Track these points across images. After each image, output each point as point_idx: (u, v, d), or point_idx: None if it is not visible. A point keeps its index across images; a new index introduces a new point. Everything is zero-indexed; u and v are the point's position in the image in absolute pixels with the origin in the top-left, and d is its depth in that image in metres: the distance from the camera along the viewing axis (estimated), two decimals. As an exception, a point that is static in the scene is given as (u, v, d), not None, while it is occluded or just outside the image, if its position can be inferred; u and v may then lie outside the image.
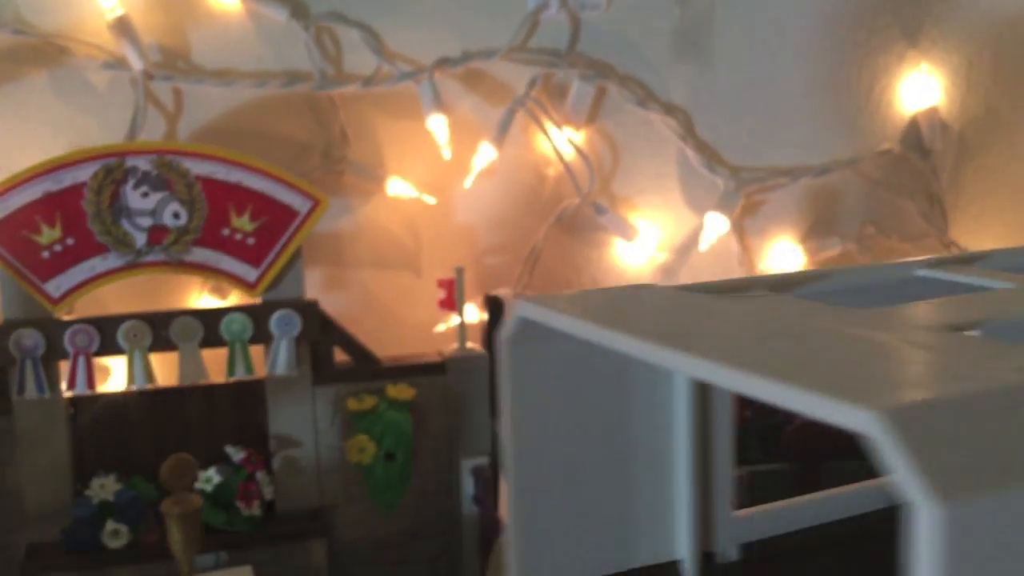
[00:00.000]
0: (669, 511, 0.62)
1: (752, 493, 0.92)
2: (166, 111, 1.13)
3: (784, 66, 1.31)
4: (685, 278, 1.31)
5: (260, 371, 1.02)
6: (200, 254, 0.97)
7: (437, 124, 1.12)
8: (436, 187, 1.20)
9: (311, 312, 1.01)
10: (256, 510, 1.00)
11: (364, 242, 1.20)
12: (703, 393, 0.61)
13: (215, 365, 1.01)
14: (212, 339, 0.98)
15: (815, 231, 1.35)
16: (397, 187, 1.16)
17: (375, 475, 1.01)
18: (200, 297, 1.16)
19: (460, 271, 1.06)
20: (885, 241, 1.36)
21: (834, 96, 1.33)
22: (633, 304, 0.54)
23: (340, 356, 1.07)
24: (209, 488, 0.98)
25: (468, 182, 1.17)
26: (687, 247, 1.31)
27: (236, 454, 1.01)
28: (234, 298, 1.16)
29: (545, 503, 0.58)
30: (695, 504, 0.62)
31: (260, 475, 1.00)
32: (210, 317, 0.98)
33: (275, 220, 0.99)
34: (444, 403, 1.08)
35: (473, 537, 1.08)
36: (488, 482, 1.06)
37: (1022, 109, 1.40)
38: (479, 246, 1.25)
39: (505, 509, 0.87)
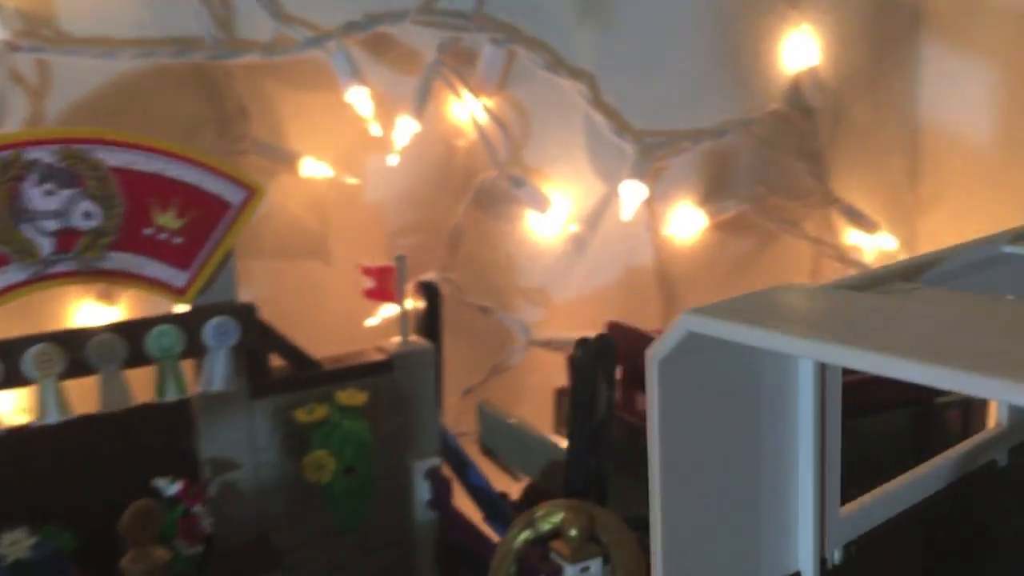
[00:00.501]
0: (792, 519, 0.58)
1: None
2: (31, 88, 0.95)
3: (681, 28, 1.29)
4: (597, 248, 1.27)
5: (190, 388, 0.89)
6: (119, 259, 0.82)
7: (358, 96, 1.01)
8: (342, 165, 1.09)
9: (249, 317, 0.89)
10: (198, 547, 0.87)
11: (267, 229, 1.08)
12: (823, 388, 0.58)
13: (139, 385, 0.86)
14: (137, 357, 0.84)
15: (713, 194, 1.35)
16: (311, 168, 1.04)
17: (335, 493, 0.91)
18: (79, 306, 1.00)
19: (402, 259, 0.97)
20: (775, 200, 1.38)
21: (726, 58, 1.32)
22: (805, 305, 0.49)
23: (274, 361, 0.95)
24: (143, 530, 0.84)
25: (393, 160, 1.07)
26: (597, 216, 1.27)
27: (169, 487, 0.87)
28: (124, 305, 1.00)
29: (688, 520, 0.53)
30: (817, 510, 0.58)
31: (198, 508, 0.88)
32: (133, 332, 0.84)
33: (204, 215, 0.85)
34: (392, 403, 0.98)
35: (429, 545, 1.00)
36: (444, 485, 0.99)
37: (886, 66, 1.46)
38: (390, 227, 1.15)
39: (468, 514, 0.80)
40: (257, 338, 0.90)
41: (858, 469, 1.00)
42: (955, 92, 1.45)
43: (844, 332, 0.45)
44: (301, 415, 0.91)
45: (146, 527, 0.72)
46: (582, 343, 0.82)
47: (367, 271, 1.04)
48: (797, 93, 1.37)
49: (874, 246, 1.43)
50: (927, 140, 1.49)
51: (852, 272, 1.38)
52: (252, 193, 0.87)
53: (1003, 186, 1.40)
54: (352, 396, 0.93)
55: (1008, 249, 0.63)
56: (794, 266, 1.45)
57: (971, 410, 1.08)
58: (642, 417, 0.50)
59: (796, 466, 0.58)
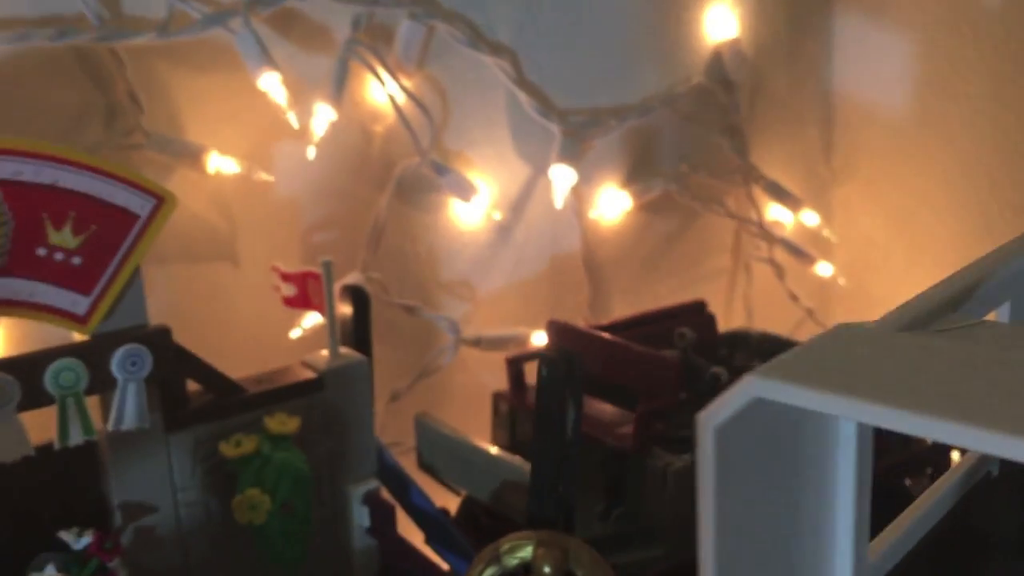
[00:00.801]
0: (829, 569, 0.53)
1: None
2: None
3: (603, 1, 1.21)
4: (523, 236, 1.20)
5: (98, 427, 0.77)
6: (7, 286, 0.70)
7: (270, 83, 0.90)
8: (252, 158, 0.98)
9: (163, 344, 0.78)
10: (116, 607, 0.77)
11: (167, 231, 0.95)
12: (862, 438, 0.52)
13: (37, 424, 0.74)
14: (33, 397, 0.72)
15: (637, 174, 1.29)
16: (218, 163, 0.92)
17: (272, 533, 0.81)
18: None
19: (328, 265, 0.87)
20: (698, 178, 1.33)
21: (649, 31, 1.26)
22: (875, 361, 0.43)
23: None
24: (51, 594, 0.73)
25: (311, 152, 0.96)
26: (523, 202, 1.19)
27: (79, 540, 0.76)
28: (10, 337, 0.87)
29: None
30: (856, 560, 0.53)
31: (115, 562, 0.77)
32: (28, 368, 0.72)
33: (107, 229, 0.73)
34: (324, 425, 0.89)
35: (369, 573, 0.92)
36: (385, 510, 0.90)
37: (802, 37, 1.42)
38: (303, 223, 1.04)
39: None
40: (172, 365, 0.79)
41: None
42: (870, 64, 1.43)
43: (940, 402, 0.39)
44: (227, 449, 0.81)
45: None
46: (548, 362, 0.75)
47: (286, 277, 0.93)
48: (719, 66, 1.32)
49: (793, 221, 1.40)
50: (842, 112, 1.46)
51: (774, 249, 1.35)
52: (161, 202, 0.75)
53: (918, 158, 1.39)
54: (283, 423, 0.84)
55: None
56: (717, 243, 1.41)
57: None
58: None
59: (834, 519, 0.52)
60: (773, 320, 1.41)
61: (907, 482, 1.01)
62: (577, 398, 0.76)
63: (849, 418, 0.39)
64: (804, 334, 1.40)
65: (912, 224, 1.41)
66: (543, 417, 0.77)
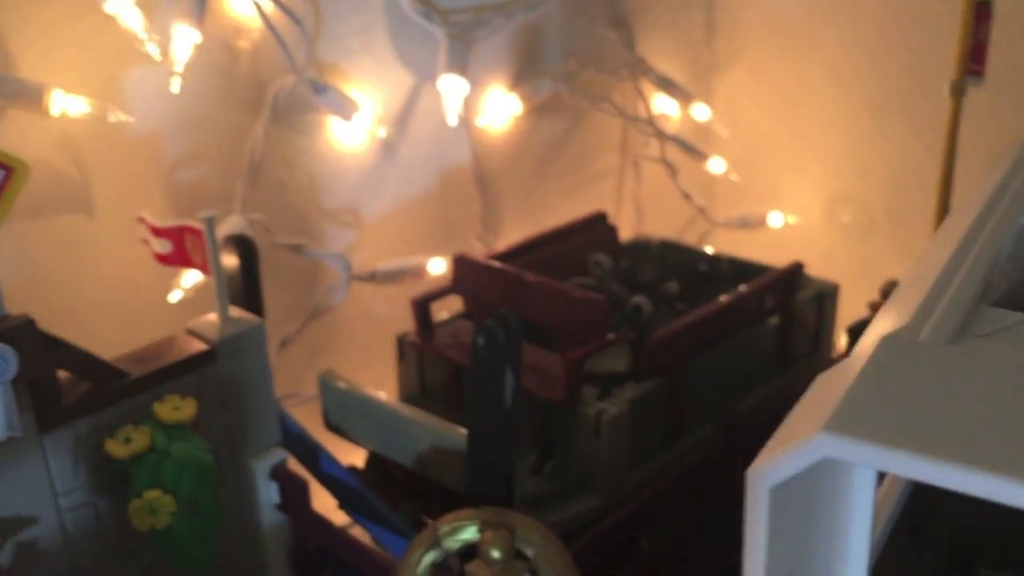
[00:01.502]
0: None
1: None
2: None
3: None
4: (408, 152, 1.09)
5: (-44, 442, 0.65)
6: None
7: (120, 5, 0.75)
8: (102, 94, 0.83)
9: (28, 337, 0.65)
10: (4, 638, 0.67)
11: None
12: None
13: None
14: None
15: (524, 74, 1.19)
16: (63, 103, 0.78)
17: (178, 536, 0.72)
18: None
19: (211, 220, 0.75)
20: (586, 76, 1.25)
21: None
22: (962, 397, 0.37)
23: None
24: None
25: (175, 85, 0.82)
26: (407, 116, 1.08)
27: (-51, 573, 0.65)
28: None
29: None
30: None
31: (-5, 589, 0.67)
32: None
33: (-56, 213, 0.60)
34: (220, 399, 0.79)
35: (282, 551, 0.85)
36: (295, 484, 0.82)
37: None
38: (165, 159, 0.91)
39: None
40: (40, 359, 0.67)
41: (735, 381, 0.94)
42: (755, -58, 1.36)
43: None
44: (115, 448, 0.71)
45: None
46: (485, 331, 0.67)
47: (158, 232, 0.81)
48: (603, -49, 1.22)
49: (681, 115, 1.34)
50: (724, -7, 1.40)
51: (665, 146, 1.30)
52: (10, 172, 0.62)
53: (803, 42, 1.35)
54: (176, 409, 0.73)
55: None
56: (604, 143, 1.34)
57: (824, 303, 1.05)
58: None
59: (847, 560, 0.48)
60: (664, 219, 1.37)
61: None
62: (515, 365, 0.69)
63: (930, 481, 0.34)
64: (694, 232, 1.37)
65: (797, 111, 1.38)
66: (480, 389, 0.70)
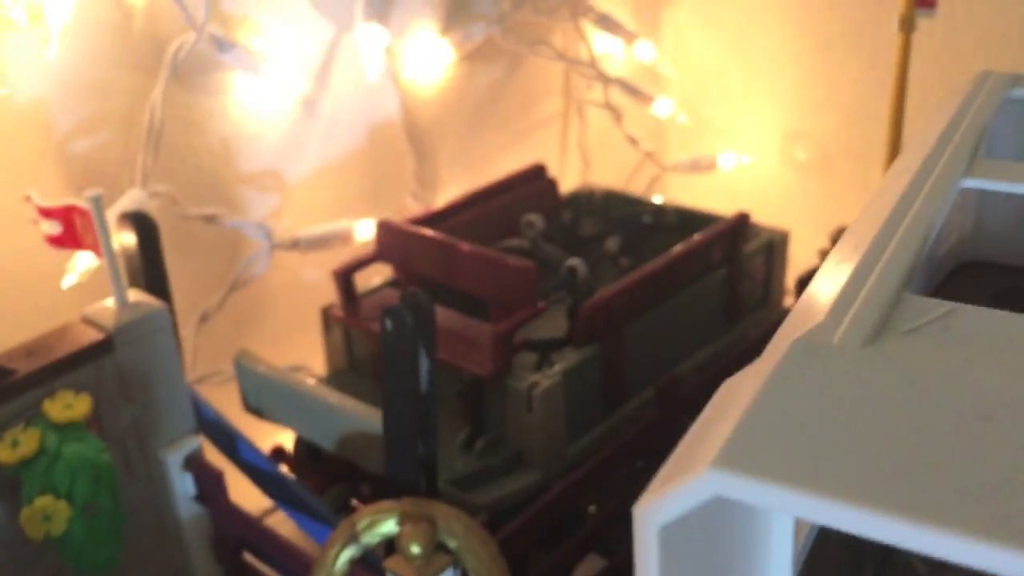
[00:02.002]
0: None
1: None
2: None
3: None
4: (330, 108, 1.03)
5: None
6: None
7: (-22, -35, 0.68)
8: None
9: None
10: None
11: None
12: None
13: None
14: None
15: (456, 19, 1.12)
16: (-75, 76, 0.70)
17: (77, 541, 0.67)
18: None
19: (97, 200, 0.69)
20: (521, 17, 1.18)
21: None
22: (863, 423, 0.32)
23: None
24: None
25: (51, 50, 0.75)
26: (326, 68, 1.01)
27: None
28: None
29: None
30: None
31: None
32: None
33: None
34: (122, 390, 0.74)
35: (202, 542, 0.80)
36: (210, 474, 0.77)
37: None
38: (56, 131, 0.84)
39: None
40: (-94, 365, 0.61)
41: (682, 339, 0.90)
42: None
43: (942, 499, 0.29)
44: (2, 453, 0.65)
45: None
46: (392, 314, 0.62)
47: (46, 212, 0.75)
48: None
49: (626, 56, 1.28)
50: (668, -77, 1.32)
51: (609, 90, 1.23)
52: None
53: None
54: (68, 406, 0.68)
55: (968, 183, 0.49)
56: (545, 89, 1.27)
57: (773, 253, 1.00)
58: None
59: None
60: (610, 167, 1.31)
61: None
62: (430, 347, 0.64)
63: (827, 524, 0.29)
64: (643, 178, 1.31)
65: (747, 46, 1.31)
66: (393, 374, 0.64)
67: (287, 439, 0.90)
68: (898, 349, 0.34)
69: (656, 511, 0.31)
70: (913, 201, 0.46)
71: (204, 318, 0.95)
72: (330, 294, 0.91)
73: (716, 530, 0.34)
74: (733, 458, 0.29)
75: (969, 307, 0.37)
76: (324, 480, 0.85)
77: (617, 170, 1.30)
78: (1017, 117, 0.64)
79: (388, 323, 0.63)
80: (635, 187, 1.30)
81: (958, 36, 1.10)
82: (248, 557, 0.80)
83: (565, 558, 0.78)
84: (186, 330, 0.92)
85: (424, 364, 0.64)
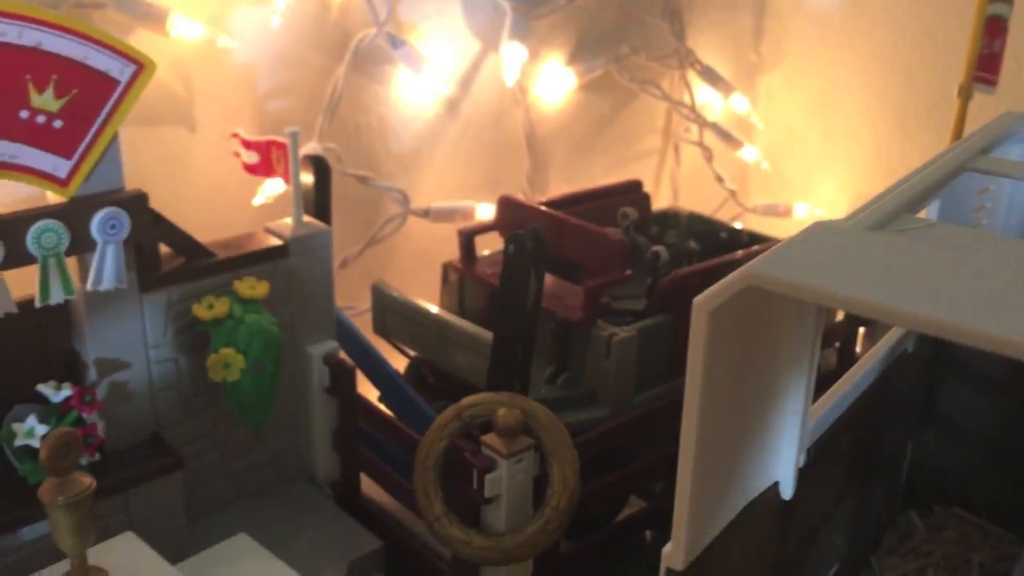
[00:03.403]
0: (779, 437, 0.61)
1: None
2: None
3: None
4: (469, 110, 1.23)
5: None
6: (-9, 148, 0.71)
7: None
8: (212, 22, 0.97)
9: (140, 208, 0.79)
10: (96, 457, 0.81)
11: (125, 93, 0.95)
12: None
13: (12, 282, 0.76)
14: (16, 257, 0.74)
15: (580, 53, 1.32)
16: (181, 26, 0.92)
17: (243, 391, 0.85)
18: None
19: (295, 135, 0.89)
20: (636, 60, 1.37)
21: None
22: (851, 256, 0.49)
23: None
24: (35, 442, 0.77)
25: (275, 21, 0.96)
26: (470, 77, 1.21)
27: (57, 394, 0.79)
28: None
29: (710, 445, 0.54)
30: (801, 429, 0.61)
31: (93, 415, 0.80)
32: (10, 229, 0.73)
33: (88, 94, 0.74)
34: (288, 290, 0.93)
35: (327, 430, 0.98)
36: (344, 370, 0.95)
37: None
38: (259, 89, 1.05)
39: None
40: (147, 229, 0.81)
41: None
42: (805, -47, 1.47)
43: (898, 293, 0.46)
44: (200, 311, 0.84)
45: (67, 456, 0.65)
46: (515, 238, 0.80)
47: (248, 145, 0.95)
48: (662, -51, 1.35)
49: (723, 106, 1.46)
50: (773, 1, 1.51)
51: (704, 132, 1.41)
52: (141, 68, 0.76)
53: (840, 49, 1.45)
54: (252, 287, 0.87)
55: (975, 163, 0.66)
56: (649, 125, 1.46)
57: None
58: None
59: (789, 391, 0.60)
60: (697, 200, 1.48)
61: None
62: (540, 274, 0.82)
63: (829, 305, 0.45)
64: (726, 214, 1.48)
65: (829, 113, 1.48)
66: (507, 290, 0.82)
67: (399, 366, 1.08)
68: (886, 235, 0.51)
69: (706, 300, 0.48)
70: (919, 175, 0.63)
71: (344, 263, 1.14)
72: (446, 258, 1.10)
73: (754, 324, 0.50)
74: (762, 264, 0.46)
75: (944, 224, 0.54)
76: (428, 398, 1.03)
77: (703, 204, 1.47)
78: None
79: (511, 246, 0.81)
80: (716, 223, 1.47)
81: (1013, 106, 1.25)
82: (362, 450, 0.98)
83: (614, 487, 0.93)
84: (328, 270, 1.11)
85: (533, 285, 0.82)
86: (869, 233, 0.52)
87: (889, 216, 0.54)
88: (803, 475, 0.65)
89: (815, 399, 0.68)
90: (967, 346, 0.42)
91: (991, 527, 0.86)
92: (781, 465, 0.62)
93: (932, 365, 0.83)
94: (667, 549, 0.54)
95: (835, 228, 0.53)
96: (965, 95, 1.06)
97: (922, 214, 0.73)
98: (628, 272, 0.96)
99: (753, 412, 0.59)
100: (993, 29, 1.09)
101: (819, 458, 0.67)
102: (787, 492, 0.63)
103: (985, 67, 1.09)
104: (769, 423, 0.60)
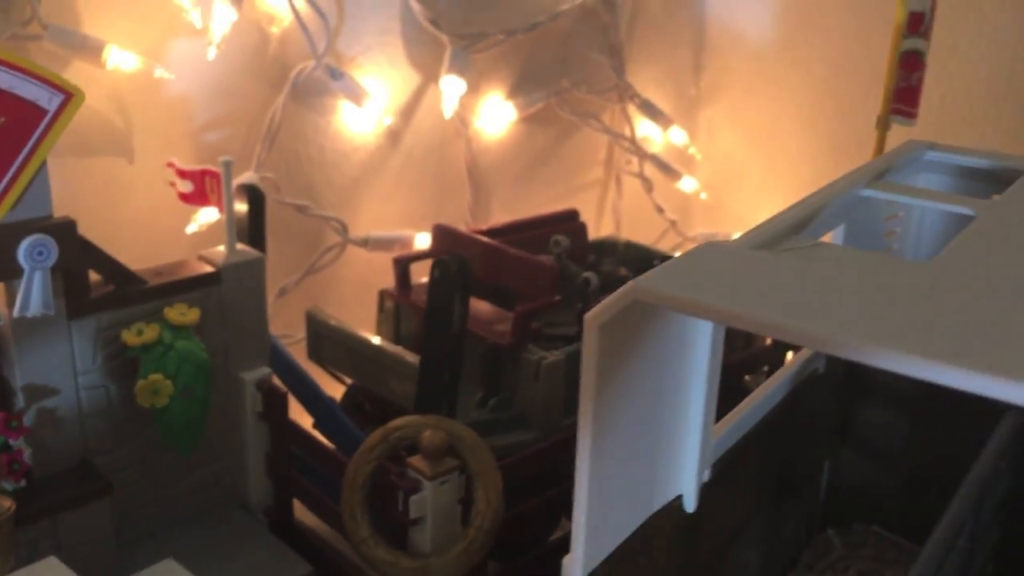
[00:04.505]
0: (681, 451, 0.63)
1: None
2: None
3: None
4: (410, 141, 1.25)
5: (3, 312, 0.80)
6: (-84, 175, 0.72)
7: (173, -19, 0.91)
8: (151, 54, 0.99)
9: (68, 235, 0.81)
10: (22, 483, 0.81)
11: (61, 123, 0.97)
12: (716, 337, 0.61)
13: (-59, 314, 0.77)
14: (-60, 283, 0.75)
15: (521, 87, 1.35)
16: (118, 58, 0.94)
17: (172, 417, 0.86)
18: None
19: (228, 164, 0.90)
20: (577, 94, 1.41)
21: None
22: (736, 273, 0.52)
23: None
24: (-41, 469, 0.77)
25: (211, 53, 0.98)
26: (411, 109, 1.24)
27: (-16, 419, 0.80)
28: None
29: (606, 460, 0.55)
30: (702, 442, 0.63)
31: (19, 441, 0.81)
32: (-65, 255, 0.74)
33: (15, 122, 0.75)
34: (220, 317, 0.94)
35: (259, 455, 0.98)
36: (277, 396, 0.96)
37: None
38: (198, 120, 1.07)
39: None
40: (76, 256, 0.82)
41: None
42: (741, -9, 1.51)
43: (781, 309, 0.48)
44: (129, 337, 0.85)
45: (-14, 478, 0.66)
46: (440, 264, 0.82)
47: (183, 173, 0.96)
48: (601, -15, 1.38)
49: (663, 138, 1.49)
50: (712, 36, 1.55)
51: (644, 164, 1.45)
52: (69, 98, 0.77)
53: (777, 83, 1.50)
54: (183, 314, 0.88)
55: (866, 193, 0.69)
56: (591, 157, 1.49)
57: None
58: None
59: (689, 406, 0.62)
60: (639, 230, 1.51)
61: (747, 379, 1.13)
62: (464, 297, 0.83)
63: (709, 320, 0.47)
64: (667, 243, 1.51)
65: (768, 145, 1.52)
66: (433, 313, 0.84)
67: (335, 393, 1.09)
68: (770, 255, 0.53)
69: (596, 315, 0.50)
70: (811, 198, 0.65)
71: (282, 292, 1.16)
72: (384, 286, 1.11)
73: (646, 341, 0.52)
74: (649, 278, 0.48)
75: (829, 244, 0.56)
76: (365, 425, 1.04)
77: (646, 234, 1.50)
78: (941, 176, 0.83)
79: (436, 272, 0.83)
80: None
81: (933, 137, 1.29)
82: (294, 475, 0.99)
83: (544, 509, 0.95)
84: (268, 299, 1.13)
85: (458, 309, 0.83)
86: (754, 252, 0.55)
87: (776, 237, 0.57)
88: (708, 489, 0.67)
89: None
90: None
91: (907, 544, 0.88)
92: (684, 479, 0.64)
93: (845, 385, 0.85)
94: (567, 559, 0.56)
95: (723, 247, 0.55)
96: (883, 127, 1.10)
97: (828, 238, 0.76)
98: (558, 298, 0.98)
99: (654, 426, 0.60)
100: (910, 63, 1.13)
101: (725, 473, 0.69)
102: (690, 506, 0.64)
103: (903, 100, 1.12)
104: (671, 438, 0.62)
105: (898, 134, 1.11)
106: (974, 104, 1.29)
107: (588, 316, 0.51)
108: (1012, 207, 0.63)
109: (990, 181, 0.80)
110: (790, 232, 0.58)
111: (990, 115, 1.28)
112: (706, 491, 0.66)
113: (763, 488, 0.76)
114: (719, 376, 0.63)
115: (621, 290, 0.50)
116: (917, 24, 1.13)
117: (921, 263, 0.54)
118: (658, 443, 0.61)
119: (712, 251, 0.54)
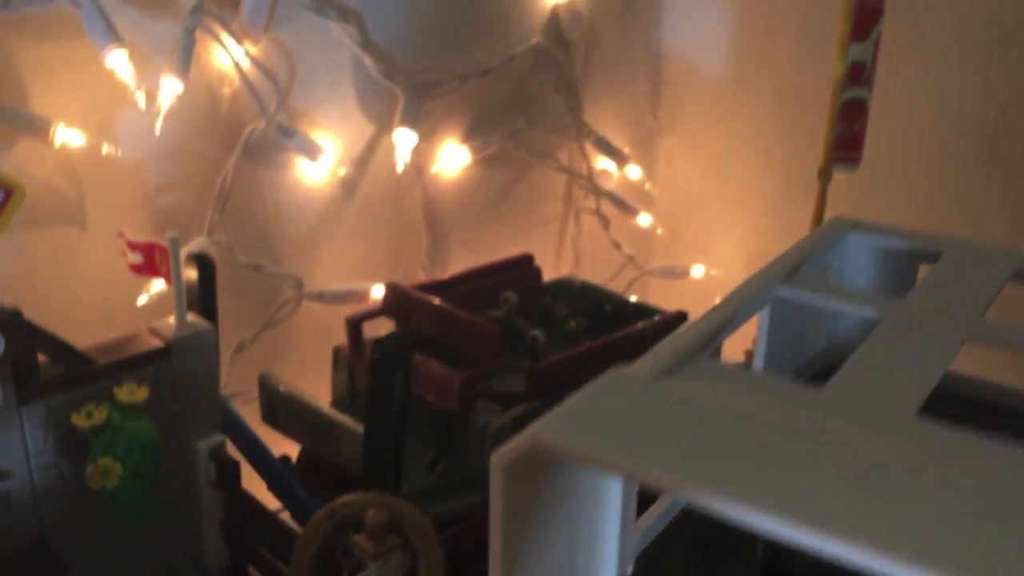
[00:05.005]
0: (601, 557, 0.64)
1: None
2: None
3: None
4: (366, 191, 1.26)
5: (-50, 404, 0.82)
6: None
7: (118, 60, 0.92)
8: (98, 128, 1.00)
9: (15, 325, 0.82)
10: (-25, 566, 0.83)
11: (11, 197, 0.98)
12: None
13: None
14: None
15: (476, 130, 1.36)
16: (65, 135, 0.95)
17: (122, 497, 0.88)
18: None
19: (176, 240, 0.92)
20: (533, 133, 1.42)
21: (490, -8, 1.32)
22: (640, 415, 0.53)
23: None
24: (-89, 560, 0.79)
25: (157, 127, 0.99)
26: (366, 160, 1.25)
27: (-65, 508, 0.81)
28: None
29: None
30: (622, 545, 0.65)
31: (-28, 525, 0.83)
32: None
33: (-44, 222, 0.76)
34: (172, 390, 0.95)
35: (214, 522, 1.00)
36: (230, 465, 0.98)
37: (636, -3, 1.51)
38: (150, 185, 1.08)
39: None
40: (24, 344, 0.84)
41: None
42: (694, 24, 1.53)
43: (683, 463, 0.49)
44: (79, 420, 0.87)
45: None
46: (380, 345, 0.84)
47: (133, 246, 0.98)
48: (556, 26, 1.39)
49: (618, 174, 1.51)
50: (668, 68, 1.57)
51: (601, 201, 1.46)
52: (10, 194, 0.79)
53: (732, 115, 1.51)
54: (132, 393, 0.90)
55: (778, 292, 0.70)
56: (549, 195, 1.50)
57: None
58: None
59: (603, 552, 0.63)
60: (599, 265, 1.53)
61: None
62: (405, 375, 0.85)
63: (609, 472, 0.49)
64: (625, 279, 1.53)
65: (725, 176, 1.54)
66: (376, 391, 0.86)
67: (293, 452, 1.11)
68: (674, 384, 0.55)
69: (502, 455, 0.52)
70: (732, 302, 0.67)
71: (239, 348, 1.17)
72: (342, 339, 1.13)
73: (560, 491, 0.54)
74: (543, 425, 0.50)
75: (736, 366, 0.58)
76: (319, 485, 1.06)
77: (605, 269, 1.52)
78: (865, 256, 0.85)
79: (377, 352, 0.84)
80: (618, 285, 1.52)
81: (875, 183, 1.31)
82: (248, 540, 1.01)
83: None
84: (223, 356, 1.14)
85: (400, 385, 0.85)
86: (659, 383, 0.56)
87: (684, 358, 0.59)
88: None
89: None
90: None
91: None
92: (606, 580, 0.66)
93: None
94: None
95: (629, 376, 0.57)
96: (824, 177, 1.12)
97: (751, 331, 0.77)
98: (502, 361, 1.00)
99: (573, 550, 0.62)
100: (852, 112, 1.15)
101: (654, 560, 0.71)
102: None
103: (845, 147, 1.14)
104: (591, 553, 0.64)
105: (848, 177, 1.13)
106: (922, 139, 1.31)
107: (493, 457, 0.52)
108: (916, 309, 0.65)
109: (916, 259, 0.82)
110: (697, 350, 0.60)
111: (935, 151, 1.30)
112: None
113: (698, 564, 0.78)
114: (633, 523, 0.64)
115: (524, 434, 0.52)
116: (859, 74, 1.15)
117: (819, 391, 0.56)
118: (579, 562, 0.62)
119: (617, 384, 0.56)
